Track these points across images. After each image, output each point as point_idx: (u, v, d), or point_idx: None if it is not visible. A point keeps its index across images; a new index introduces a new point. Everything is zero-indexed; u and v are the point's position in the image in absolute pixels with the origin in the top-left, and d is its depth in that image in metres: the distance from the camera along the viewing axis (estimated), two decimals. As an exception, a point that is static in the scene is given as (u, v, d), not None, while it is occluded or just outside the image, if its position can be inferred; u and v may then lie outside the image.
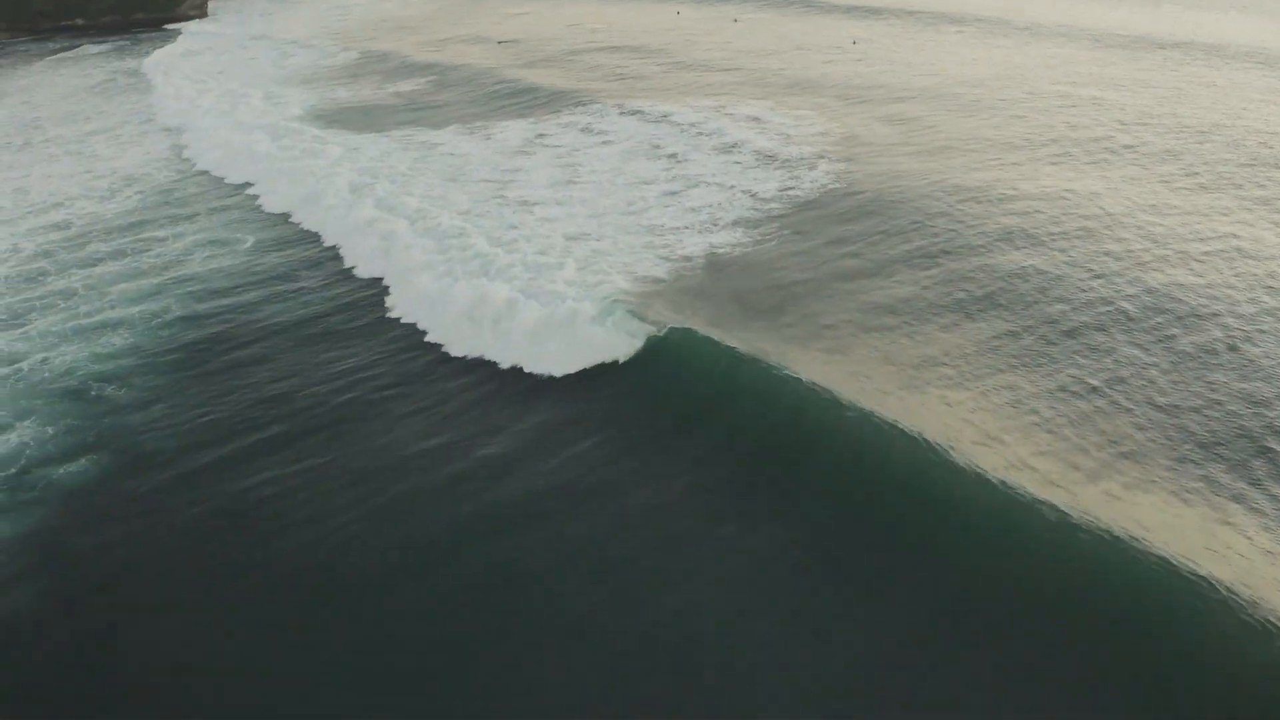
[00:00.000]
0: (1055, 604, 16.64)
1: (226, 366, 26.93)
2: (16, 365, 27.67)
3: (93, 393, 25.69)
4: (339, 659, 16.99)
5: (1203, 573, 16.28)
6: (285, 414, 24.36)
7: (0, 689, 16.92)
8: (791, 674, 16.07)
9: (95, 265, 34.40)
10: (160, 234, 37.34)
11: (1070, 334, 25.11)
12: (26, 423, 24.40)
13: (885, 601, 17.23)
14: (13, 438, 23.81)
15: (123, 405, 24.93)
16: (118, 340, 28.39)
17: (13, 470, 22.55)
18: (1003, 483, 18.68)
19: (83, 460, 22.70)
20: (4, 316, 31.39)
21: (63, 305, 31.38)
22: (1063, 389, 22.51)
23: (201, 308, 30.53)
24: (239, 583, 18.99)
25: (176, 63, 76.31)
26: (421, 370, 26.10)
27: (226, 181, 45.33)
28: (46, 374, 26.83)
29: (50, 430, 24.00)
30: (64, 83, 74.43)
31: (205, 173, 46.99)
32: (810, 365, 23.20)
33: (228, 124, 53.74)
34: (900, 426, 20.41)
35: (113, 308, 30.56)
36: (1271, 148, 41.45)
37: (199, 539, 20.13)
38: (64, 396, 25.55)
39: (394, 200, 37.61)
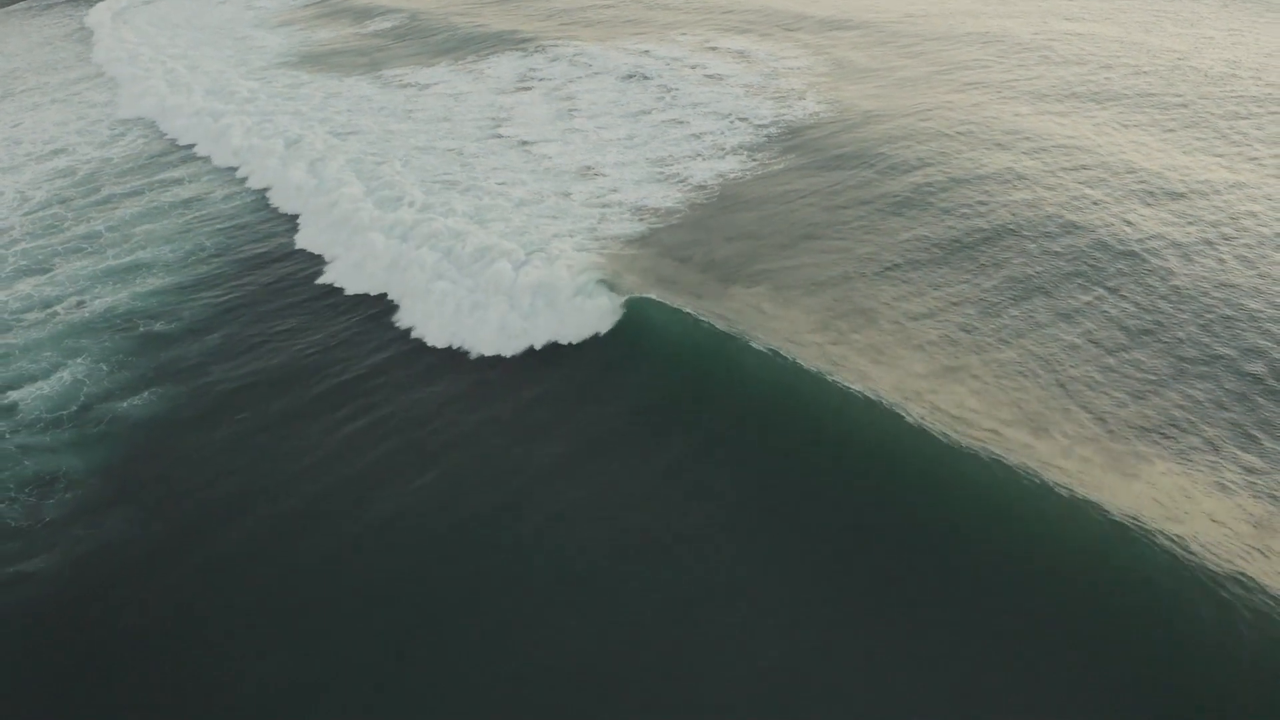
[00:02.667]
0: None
1: (277, 291, 26.64)
2: (51, 309, 27.27)
3: (140, 329, 25.31)
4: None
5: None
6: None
7: (107, 615, 16.85)
8: (756, 650, 14.64)
9: (114, 208, 33.79)
10: (175, 174, 36.65)
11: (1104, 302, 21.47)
12: (78, 360, 24.05)
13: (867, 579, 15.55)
14: (65, 375, 23.49)
15: (176, 338, 24.57)
16: (154, 280, 27.94)
17: (73, 407, 22.28)
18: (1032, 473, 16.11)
19: (145, 393, 22.39)
20: (26, 263, 30.86)
21: (88, 249, 30.85)
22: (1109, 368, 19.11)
23: (235, 240, 30.12)
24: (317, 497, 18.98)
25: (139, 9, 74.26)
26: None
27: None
28: (86, 314, 26.44)
29: (105, 367, 23.67)
30: (37, 32, 72.28)
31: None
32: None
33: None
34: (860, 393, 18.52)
35: (143, 248, 30.05)
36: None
37: (281, 464, 19.91)
38: (111, 334, 25.17)
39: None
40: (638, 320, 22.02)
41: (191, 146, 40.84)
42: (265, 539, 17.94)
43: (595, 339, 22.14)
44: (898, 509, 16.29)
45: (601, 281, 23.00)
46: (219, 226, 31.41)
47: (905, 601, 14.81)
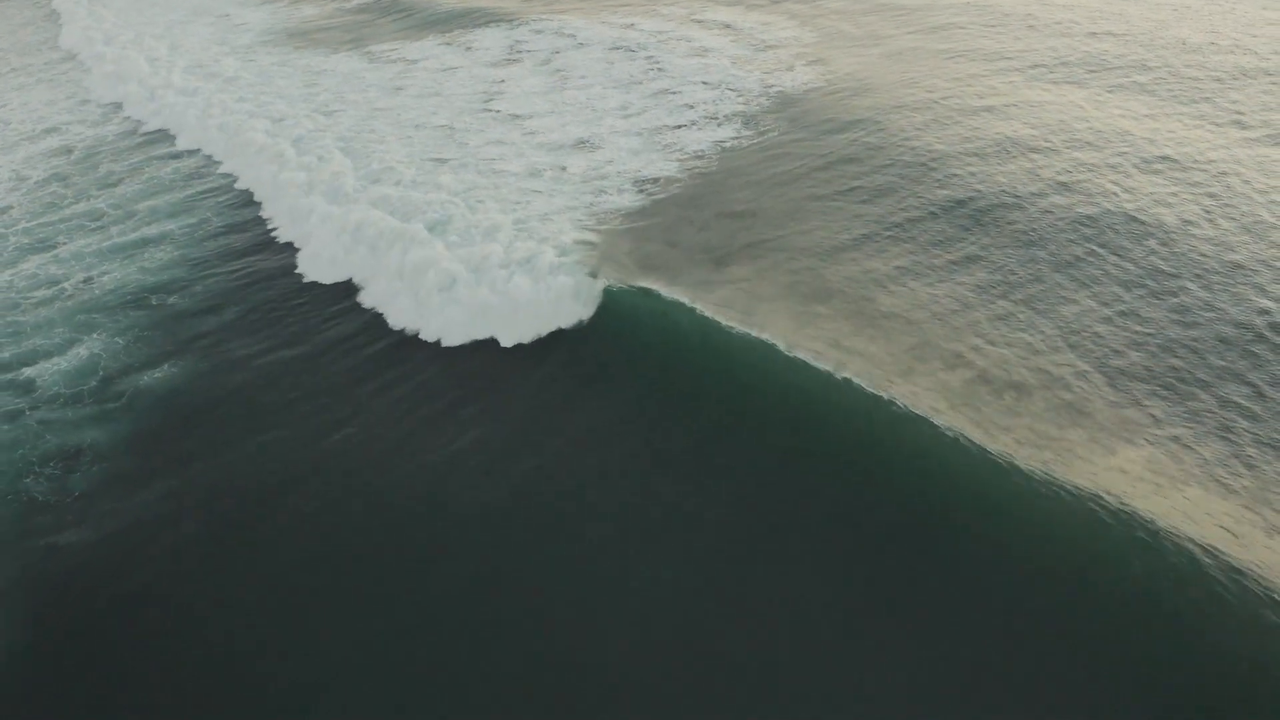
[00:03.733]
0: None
1: (289, 268, 26.48)
2: (59, 286, 27.03)
3: (153, 301, 25.17)
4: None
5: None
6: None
7: (141, 587, 16.82)
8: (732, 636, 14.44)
9: (115, 185, 33.47)
10: (175, 148, 36.31)
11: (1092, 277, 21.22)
12: (93, 336, 23.90)
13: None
14: (82, 351, 23.34)
15: (192, 312, 24.43)
16: (163, 255, 27.72)
17: (93, 382, 22.16)
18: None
19: (165, 366, 22.29)
20: (29, 241, 30.55)
21: (92, 226, 30.56)
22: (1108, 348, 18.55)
23: (243, 216, 29.94)
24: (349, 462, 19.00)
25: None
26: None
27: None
28: (96, 291, 26.24)
29: (121, 341, 23.53)
30: (16, 14, 71.17)
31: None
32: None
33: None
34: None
35: (148, 224, 29.81)
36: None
37: (306, 438, 19.84)
38: (124, 309, 25.02)
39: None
40: (636, 308, 21.60)
41: (171, 128, 40.43)
42: (295, 510, 17.94)
43: (599, 327, 21.56)
44: (892, 496, 15.87)
45: (598, 273, 22.10)
46: (224, 201, 31.19)
47: (904, 588, 14.50)
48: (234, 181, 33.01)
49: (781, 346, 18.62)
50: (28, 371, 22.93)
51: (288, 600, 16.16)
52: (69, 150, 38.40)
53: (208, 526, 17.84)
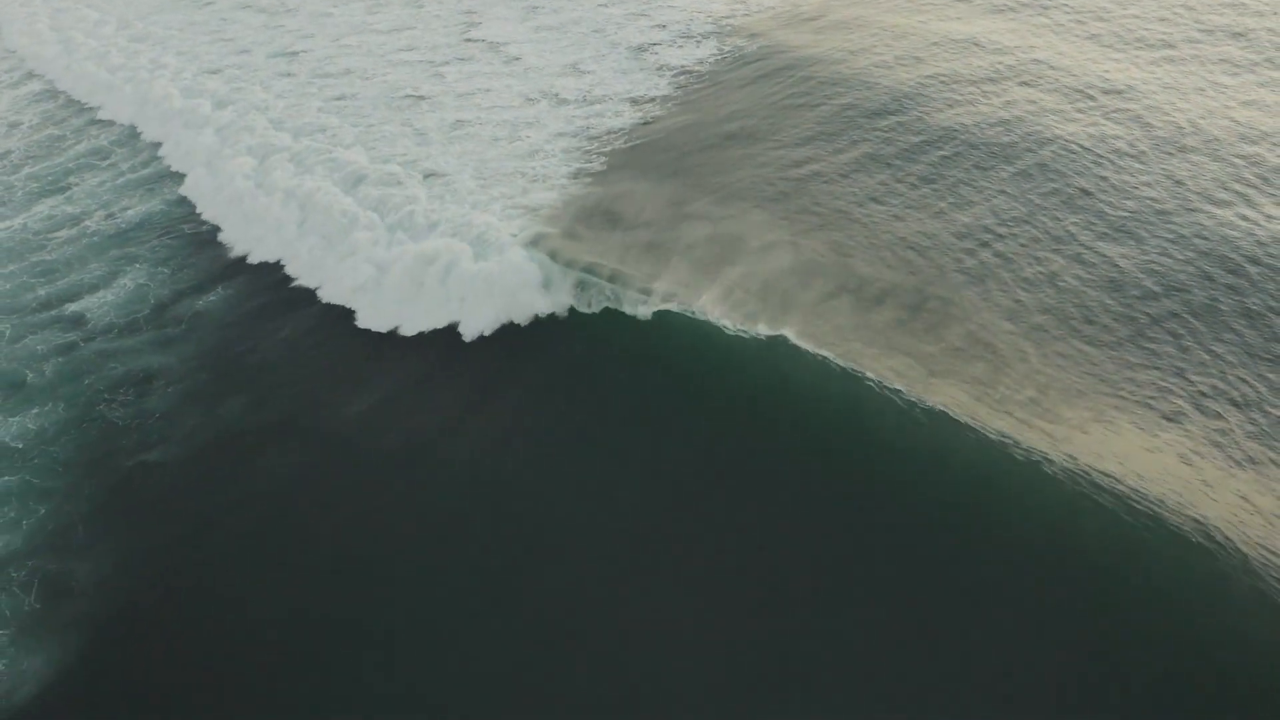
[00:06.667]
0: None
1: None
2: (80, 224, 26.53)
3: (187, 230, 24.92)
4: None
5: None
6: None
7: (239, 497, 16.98)
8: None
9: (114, 124, 32.71)
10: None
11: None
12: (135, 266, 23.62)
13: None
14: (126, 282, 23.07)
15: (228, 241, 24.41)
16: (184, 189, 27.26)
17: (146, 310, 21.97)
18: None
19: (219, 289, 22.17)
20: (37, 185, 29.73)
21: (101, 165, 29.94)
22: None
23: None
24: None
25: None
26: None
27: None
28: (121, 225, 25.81)
29: (165, 269, 23.28)
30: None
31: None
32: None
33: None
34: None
35: (159, 159, 29.33)
36: None
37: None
38: (158, 239, 24.75)
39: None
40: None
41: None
42: (375, 414, 18.20)
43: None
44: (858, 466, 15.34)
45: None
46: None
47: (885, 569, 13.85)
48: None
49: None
50: (72, 307, 22.60)
51: (375, 499, 16.48)
52: (54, 95, 37.28)
53: (291, 433, 18.00)
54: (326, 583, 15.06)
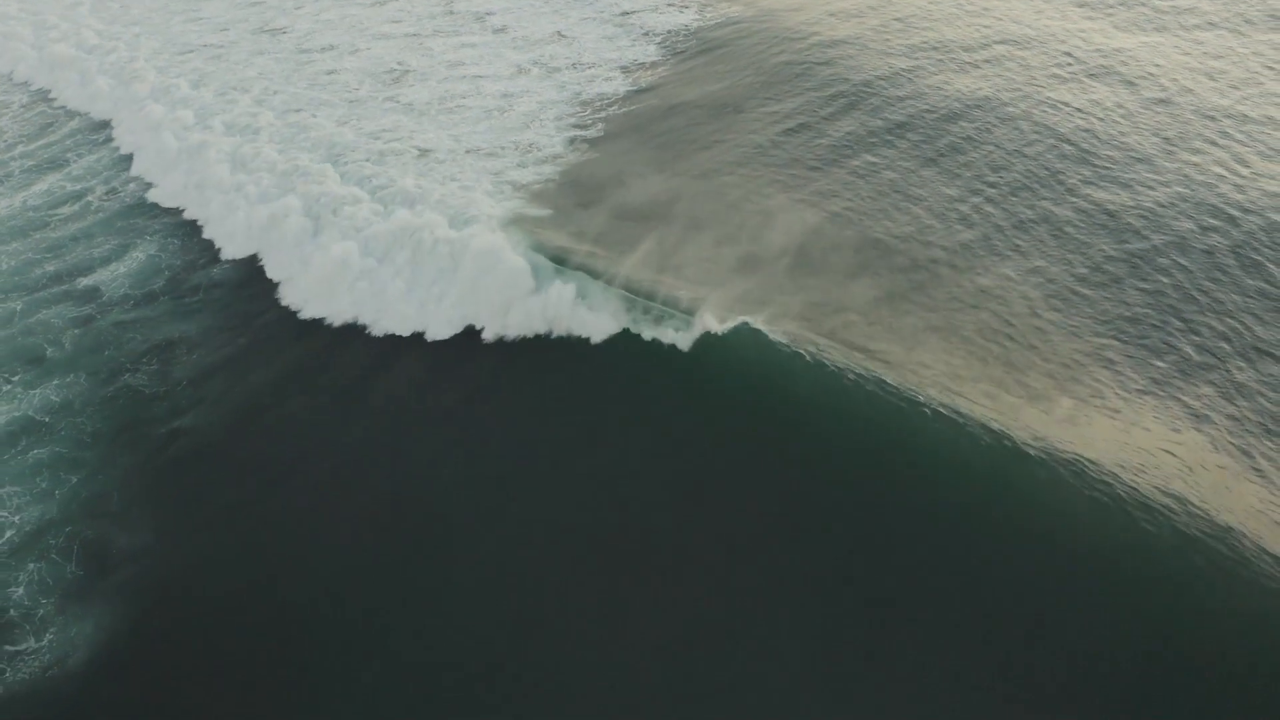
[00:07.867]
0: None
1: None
2: (83, 200, 26.05)
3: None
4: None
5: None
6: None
7: (273, 454, 16.98)
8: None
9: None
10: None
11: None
12: (146, 239, 23.37)
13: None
14: (138, 255, 22.84)
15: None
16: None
17: (160, 281, 21.80)
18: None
19: (225, 264, 22.15)
20: (33, 163, 29.00)
21: (99, 140, 29.41)
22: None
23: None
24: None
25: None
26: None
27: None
28: (126, 200, 25.45)
29: (176, 240, 23.09)
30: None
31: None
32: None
33: None
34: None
35: (160, 134, 28.95)
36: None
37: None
38: (165, 212, 24.48)
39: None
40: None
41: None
42: (404, 375, 18.33)
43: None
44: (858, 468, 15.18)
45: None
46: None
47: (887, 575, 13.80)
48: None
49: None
50: (85, 281, 22.32)
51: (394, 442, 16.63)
52: (39, 77, 36.50)
53: (319, 391, 18.08)
54: (369, 543, 15.18)
